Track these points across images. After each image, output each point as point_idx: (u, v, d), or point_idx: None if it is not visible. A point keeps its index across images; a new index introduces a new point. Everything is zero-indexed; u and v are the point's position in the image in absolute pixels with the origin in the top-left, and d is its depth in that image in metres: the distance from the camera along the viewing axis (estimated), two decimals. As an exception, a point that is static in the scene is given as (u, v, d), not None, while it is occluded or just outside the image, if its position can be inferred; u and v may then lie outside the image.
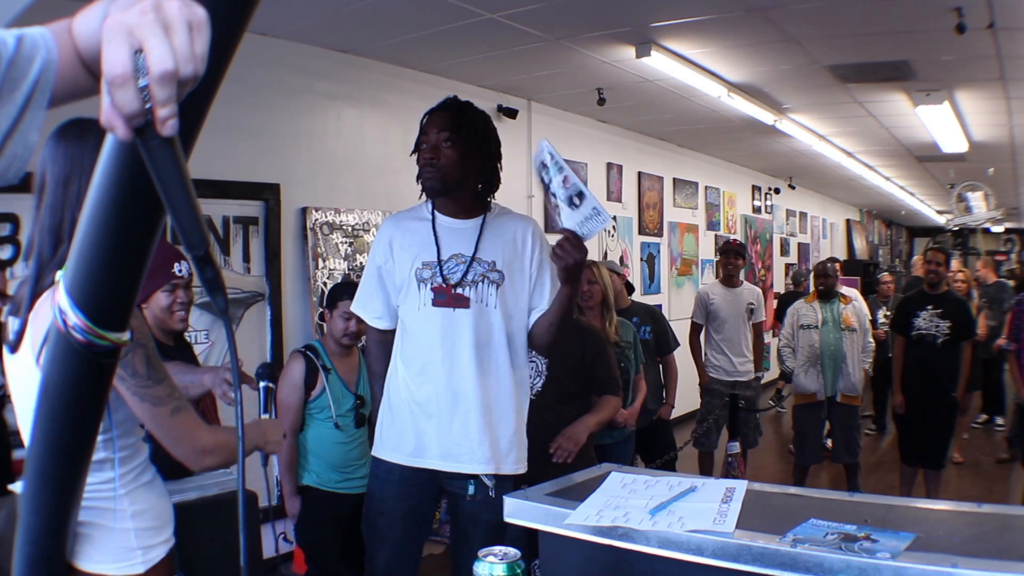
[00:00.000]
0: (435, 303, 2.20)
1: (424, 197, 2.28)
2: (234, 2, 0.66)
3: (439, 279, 2.20)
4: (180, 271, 2.37)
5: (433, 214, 2.27)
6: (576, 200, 1.95)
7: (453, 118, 2.19)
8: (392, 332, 2.34)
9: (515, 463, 2.26)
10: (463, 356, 2.18)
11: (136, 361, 1.32)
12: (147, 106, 0.57)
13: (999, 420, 7.26)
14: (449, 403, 2.19)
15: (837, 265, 6.84)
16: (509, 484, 2.21)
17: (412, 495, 2.25)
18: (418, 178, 2.22)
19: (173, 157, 0.59)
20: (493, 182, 2.27)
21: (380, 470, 2.29)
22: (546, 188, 2.09)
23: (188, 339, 2.82)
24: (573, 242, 1.94)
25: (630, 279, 6.92)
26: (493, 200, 2.30)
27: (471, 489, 2.22)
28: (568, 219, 1.94)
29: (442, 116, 2.20)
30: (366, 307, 2.37)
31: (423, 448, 2.21)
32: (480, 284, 2.23)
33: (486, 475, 2.21)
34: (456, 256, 2.21)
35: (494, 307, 2.23)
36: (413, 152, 2.25)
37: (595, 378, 3.05)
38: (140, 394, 1.33)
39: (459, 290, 2.19)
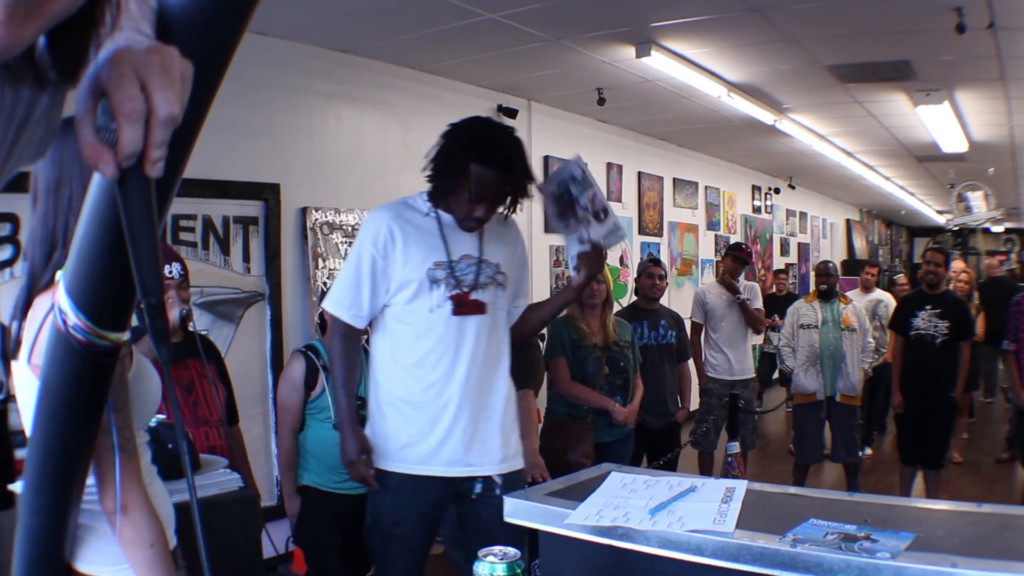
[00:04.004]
0: (455, 312, 2.15)
1: (426, 196, 2.24)
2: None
3: (453, 282, 2.16)
4: (171, 272, 2.36)
5: (437, 213, 2.21)
6: (602, 215, 2.20)
7: (503, 179, 2.13)
8: (362, 332, 2.27)
9: (520, 457, 2.33)
10: (479, 361, 2.18)
11: None
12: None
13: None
14: (470, 409, 2.17)
15: (874, 270, 6.89)
16: (514, 479, 2.24)
17: (427, 501, 2.20)
18: (460, 220, 2.19)
19: (148, 200, 0.58)
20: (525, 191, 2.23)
21: (392, 481, 2.18)
22: (558, 196, 2.22)
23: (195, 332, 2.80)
24: (598, 253, 2.22)
25: (630, 279, 6.93)
26: None
27: (478, 487, 2.21)
28: (594, 232, 2.21)
29: (496, 177, 2.11)
30: (345, 303, 2.18)
31: (436, 455, 2.17)
32: (491, 287, 2.21)
33: (497, 475, 2.22)
34: (466, 257, 2.19)
35: (501, 309, 2.25)
36: (450, 190, 2.15)
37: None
38: None
39: (475, 295, 2.18)
